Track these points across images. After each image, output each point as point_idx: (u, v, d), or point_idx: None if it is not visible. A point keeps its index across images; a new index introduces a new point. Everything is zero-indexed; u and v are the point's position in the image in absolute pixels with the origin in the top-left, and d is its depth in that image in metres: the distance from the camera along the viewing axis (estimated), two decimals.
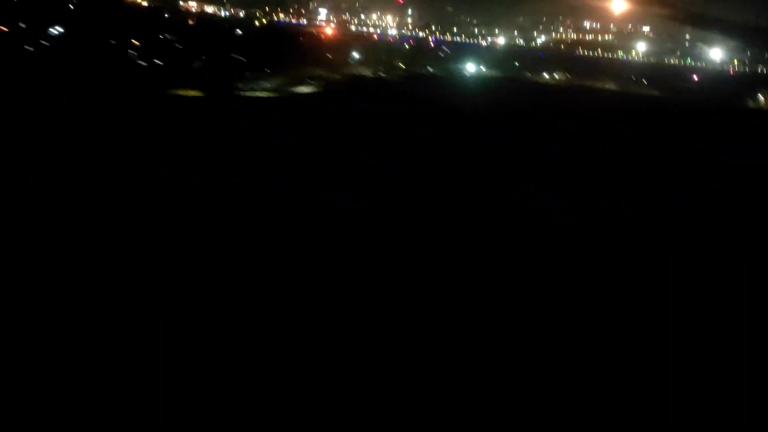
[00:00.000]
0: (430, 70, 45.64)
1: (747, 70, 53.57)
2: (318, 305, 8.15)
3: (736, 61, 54.13)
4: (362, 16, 64.10)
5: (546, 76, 47.89)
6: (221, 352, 6.73)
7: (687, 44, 56.18)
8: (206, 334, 7.10)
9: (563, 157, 20.51)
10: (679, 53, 55.70)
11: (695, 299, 9.52)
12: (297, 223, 12.02)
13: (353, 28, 62.33)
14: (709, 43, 53.57)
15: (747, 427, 6.32)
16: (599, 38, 61.12)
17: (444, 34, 63.34)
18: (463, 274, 10.07)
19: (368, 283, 9.18)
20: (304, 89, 32.66)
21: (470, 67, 47.39)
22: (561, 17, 64.63)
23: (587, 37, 62.00)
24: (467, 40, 60.43)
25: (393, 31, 63.60)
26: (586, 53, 57.74)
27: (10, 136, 16.82)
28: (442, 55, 49.28)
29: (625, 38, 60.31)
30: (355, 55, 45.81)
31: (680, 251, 12.70)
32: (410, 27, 64.94)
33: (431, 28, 64.93)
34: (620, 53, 57.17)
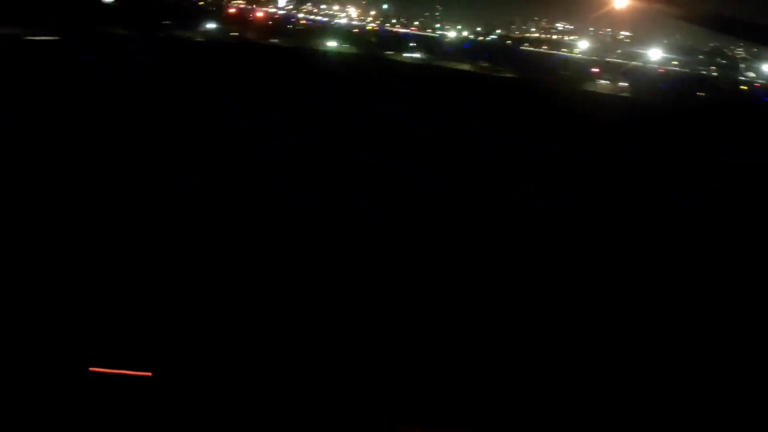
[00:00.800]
0: (274, 40, 48.09)
1: (688, 70, 56.55)
2: (318, 305, 8.15)
3: (676, 62, 57.89)
4: (323, 6, 66.71)
5: (406, 55, 51.16)
6: (221, 352, 6.73)
7: (628, 45, 60.39)
8: (206, 334, 7.10)
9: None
10: (619, 51, 59.54)
11: (695, 299, 9.53)
12: (297, 223, 12.01)
13: (301, 15, 64.12)
14: (654, 45, 57.36)
15: (747, 426, 6.32)
16: (559, 38, 64.48)
17: (394, 26, 65.80)
18: (463, 273, 10.08)
19: (368, 283, 9.18)
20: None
21: (330, 44, 50.71)
22: (536, 18, 68.07)
23: (552, 37, 65.24)
24: (406, 31, 63.08)
25: (343, 21, 65.46)
26: (528, 48, 60.66)
27: (10, 136, 16.81)
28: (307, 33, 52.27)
29: (589, 38, 63.75)
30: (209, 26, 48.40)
31: (680, 251, 12.70)
32: (369, 18, 67.25)
33: (389, 19, 67.58)
34: (563, 50, 60.52)
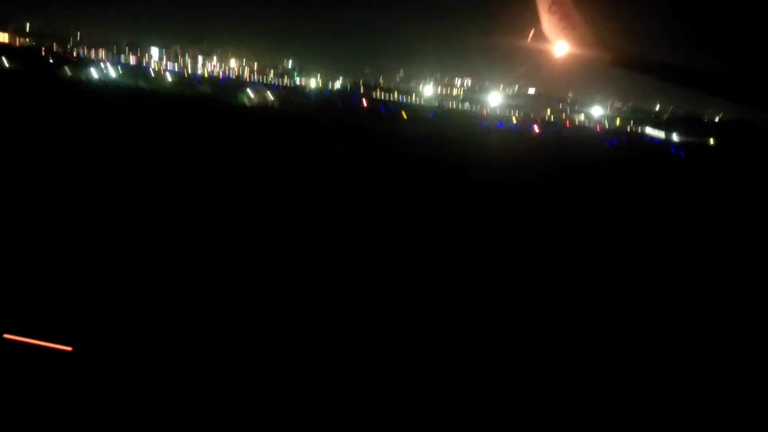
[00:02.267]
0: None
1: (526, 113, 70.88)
2: (318, 304, 8.15)
3: (513, 115, 71.24)
4: (200, 59, 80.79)
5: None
6: (222, 349, 6.73)
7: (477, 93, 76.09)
8: (207, 332, 7.10)
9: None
10: (462, 98, 76.15)
11: (695, 299, 9.53)
12: (297, 223, 12.02)
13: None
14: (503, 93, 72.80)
15: (746, 423, 6.33)
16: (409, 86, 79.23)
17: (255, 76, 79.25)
18: (464, 273, 10.08)
19: (369, 282, 9.18)
20: None
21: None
22: (439, 75, 79.24)
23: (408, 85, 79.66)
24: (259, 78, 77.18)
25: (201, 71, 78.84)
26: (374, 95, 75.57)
27: (10, 136, 16.82)
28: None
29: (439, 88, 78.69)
30: None
31: (680, 251, 12.71)
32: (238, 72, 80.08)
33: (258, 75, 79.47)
34: (413, 96, 76.91)
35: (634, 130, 67.43)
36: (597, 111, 71.28)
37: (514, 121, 64.72)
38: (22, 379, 5.87)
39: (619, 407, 6.45)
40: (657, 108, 68.25)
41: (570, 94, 73.51)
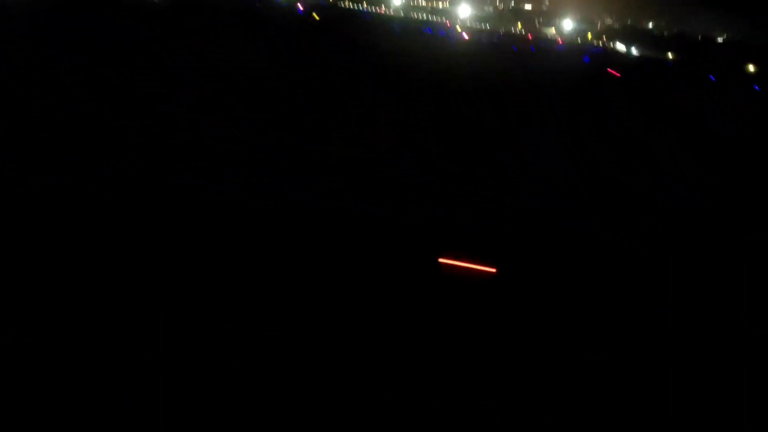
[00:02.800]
0: None
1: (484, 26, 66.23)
2: (318, 304, 8.15)
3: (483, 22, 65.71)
4: None
5: None
6: (222, 349, 6.73)
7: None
8: (207, 332, 7.10)
9: None
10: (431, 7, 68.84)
11: (695, 299, 9.53)
12: (297, 223, 12.01)
13: None
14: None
15: (746, 423, 6.33)
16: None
17: None
18: (463, 273, 10.07)
19: (368, 282, 9.18)
20: None
21: None
22: None
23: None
24: None
25: None
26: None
27: (10, 136, 16.81)
28: None
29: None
30: None
31: (680, 251, 12.70)
32: None
33: None
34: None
35: (605, 45, 63.22)
36: (568, 25, 67.32)
37: (459, 30, 61.96)
38: (22, 379, 5.86)
39: (619, 407, 6.44)
40: (648, 26, 64.18)
41: (545, 6, 69.68)
